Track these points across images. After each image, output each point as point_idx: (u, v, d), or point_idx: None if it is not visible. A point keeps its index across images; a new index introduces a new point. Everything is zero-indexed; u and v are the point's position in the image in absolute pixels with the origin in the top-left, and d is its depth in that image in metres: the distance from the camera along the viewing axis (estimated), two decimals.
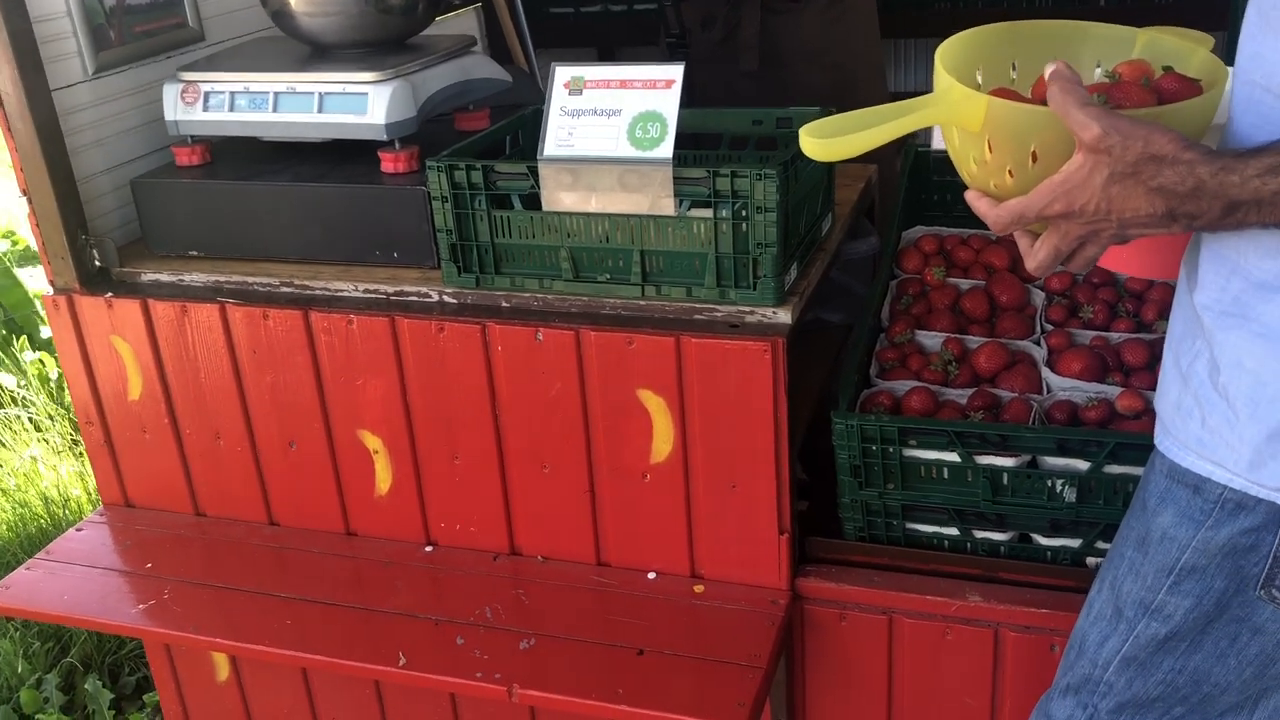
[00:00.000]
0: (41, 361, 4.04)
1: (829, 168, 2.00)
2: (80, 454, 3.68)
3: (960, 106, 1.09)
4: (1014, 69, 1.24)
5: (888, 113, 1.14)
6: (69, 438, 3.77)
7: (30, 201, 2.03)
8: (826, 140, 1.14)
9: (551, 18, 3.81)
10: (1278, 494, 1.16)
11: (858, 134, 1.13)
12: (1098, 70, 1.24)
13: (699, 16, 2.31)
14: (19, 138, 1.97)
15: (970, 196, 1.16)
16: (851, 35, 2.66)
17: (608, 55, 4.30)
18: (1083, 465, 1.70)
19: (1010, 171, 1.10)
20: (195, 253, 2.08)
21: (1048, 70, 1.07)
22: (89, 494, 3.51)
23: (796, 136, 1.94)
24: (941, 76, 1.15)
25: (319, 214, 1.98)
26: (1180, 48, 1.20)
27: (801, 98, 2.23)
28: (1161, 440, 1.30)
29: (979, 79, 1.24)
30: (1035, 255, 1.14)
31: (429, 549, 2.04)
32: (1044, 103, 1.07)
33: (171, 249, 2.09)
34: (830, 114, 1.20)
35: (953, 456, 1.74)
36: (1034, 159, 1.07)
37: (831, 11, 2.62)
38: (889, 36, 2.94)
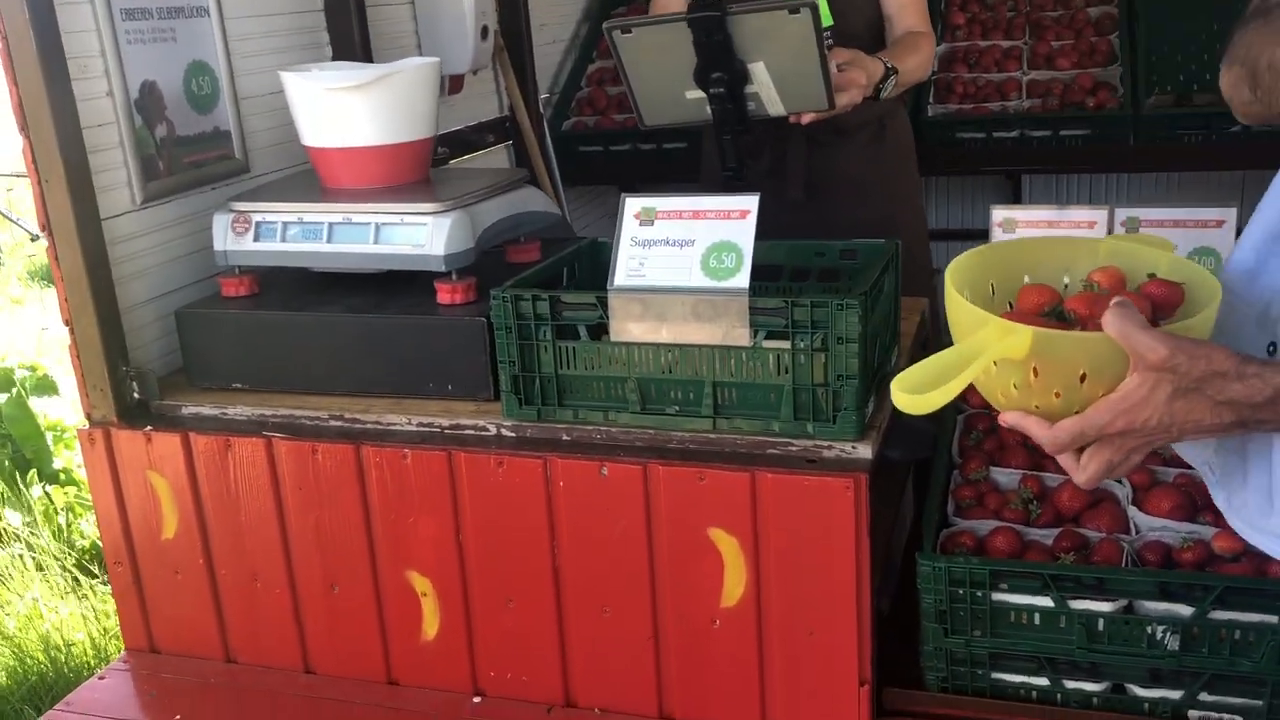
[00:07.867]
0: (49, 497, 3.92)
1: (896, 299, 1.95)
2: (83, 596, 3.53)
3: (1006, 340, 1.12)
4: (993, 290, 1.27)
5: (960, 361, 1.14)
6: (72, 578, 3.63)
7: (72, 331, 1.97)
8: (921, 395, 1.13)
9: (579, 155, 3.84)
10: None
11: (947, 386, 1.12)
12: (1065, 279, 1.29)
13: (747, 148, 2.33)
14: (65, 266, 1.93)
15: (1013, 418, 1.17)
16: (892, 169, 2.67)
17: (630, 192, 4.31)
18: (1186, 610, 1.60)
19: (1057, 393, 1.13)
20: (239, 385, 2.01)
21: (1113, 301, 1.11)
22: (92, 639, 3.35)
23: (862, 268, 1.93)
24: (974, 312, 1.16)
25: (372, 346, 1.92)
26: (1144, 253, 1.26)
27: (846, 229, 2.20)
28: None
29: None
30: (1085, 470, 1.14)
31: (477, 700, 1.91)
32: (1066, 326, 1.15)
33: (215, 381, 2.02)
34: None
35: (1045, 601, 1.65)
36: (1082, 379, 1.12)
37: (873, 146, 2.63)
38: (923, 173, 2.94)
